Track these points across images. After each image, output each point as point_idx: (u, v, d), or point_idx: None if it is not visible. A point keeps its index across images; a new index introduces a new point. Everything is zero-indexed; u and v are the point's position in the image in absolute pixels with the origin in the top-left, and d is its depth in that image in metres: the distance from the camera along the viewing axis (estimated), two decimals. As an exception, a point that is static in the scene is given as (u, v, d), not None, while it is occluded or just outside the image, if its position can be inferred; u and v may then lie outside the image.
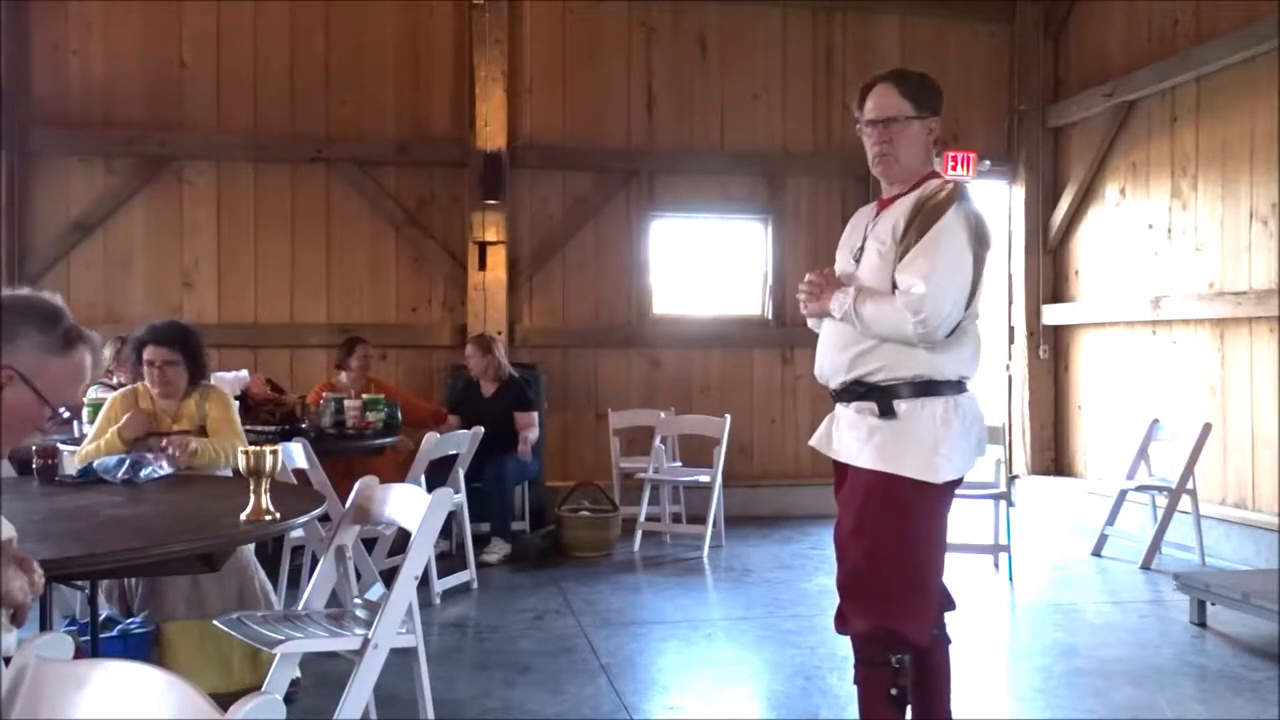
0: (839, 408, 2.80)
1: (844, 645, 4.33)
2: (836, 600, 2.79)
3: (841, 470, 2.80)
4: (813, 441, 2.91)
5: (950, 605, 2.86)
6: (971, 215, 2.66)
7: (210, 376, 4.17)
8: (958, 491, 2.76)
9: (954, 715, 2.85)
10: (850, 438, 2.73)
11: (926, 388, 2.64)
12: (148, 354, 3.89)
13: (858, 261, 2.78)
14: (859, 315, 2.65)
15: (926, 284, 2.56)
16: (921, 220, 2.65)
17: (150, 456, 3.47)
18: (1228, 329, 6.37)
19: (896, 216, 2.71)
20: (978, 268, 2.65)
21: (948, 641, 2.85)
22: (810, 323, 2.94)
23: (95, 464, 3.34)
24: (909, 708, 2.70)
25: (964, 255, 2.62)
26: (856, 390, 2.71)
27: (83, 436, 4.28)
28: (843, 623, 2.76)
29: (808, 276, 2.84)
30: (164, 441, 3.67)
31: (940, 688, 2.81)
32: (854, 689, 2.76)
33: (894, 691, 2.63)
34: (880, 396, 2.66)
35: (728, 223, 7.94)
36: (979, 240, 2.66)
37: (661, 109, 7.65)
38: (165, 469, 3.40)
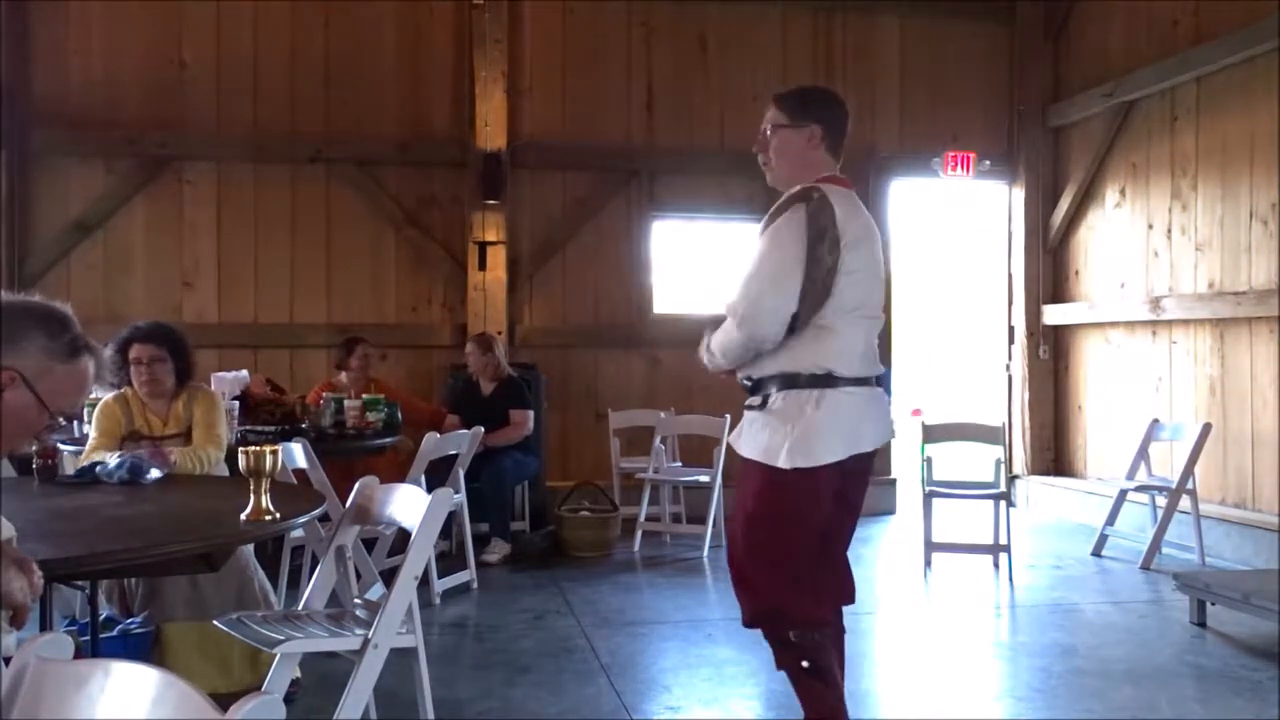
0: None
1: (844, 644, 4.34)
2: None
3: None
4: (730, 439, 3.13)
5: (848, 599, 3.04)
6: (811, 215, 2.74)
7: (210, 379, 4.14)
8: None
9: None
10: (743, 430, 2.96)
11: (791, 381, 2.81)
12: (134, 352, 3.84)
13: None
14: (712, 353, 2.93)
15: (740, 288, 2.77)
16: (766, 223, 2.84)
17: (152, 455, 3.46)
18: (1228, 329, 6.37)
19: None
20: (817, 265, 2.73)
21: (842, 631, 3.03)
22: None
23: (96, 469, 3.33)
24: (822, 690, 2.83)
25: (790, 252, 2.73)
26: (746, 385, 2.94)
27: (83, 437, 4.27)
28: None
29: None
30: (155, 448, 3.64)
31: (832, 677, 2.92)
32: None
33: (806, 664, 2.80)
34: (759, 389, 2.89)
35: (727, 224, 7.93)
36: (819, 237, 2.72)
37: (661, 109, 7.66)
38: (160, 471, 3.39)
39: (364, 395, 5.60)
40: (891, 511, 7.77)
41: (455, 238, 7.35)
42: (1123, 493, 6.30)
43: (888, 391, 2.98)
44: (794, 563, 2.82)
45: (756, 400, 2.89)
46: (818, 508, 2.83)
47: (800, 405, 2.79)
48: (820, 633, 2.82)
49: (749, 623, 2.90)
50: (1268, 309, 5.97)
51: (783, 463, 2.77)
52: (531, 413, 6.38)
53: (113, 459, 3.37)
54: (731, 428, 6.39)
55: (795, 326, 2.78)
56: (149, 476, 3.24)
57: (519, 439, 6.26)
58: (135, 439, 3.78)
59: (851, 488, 2.93)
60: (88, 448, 3.80)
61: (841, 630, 3.04)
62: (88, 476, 3.30)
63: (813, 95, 3.04)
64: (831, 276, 2.74)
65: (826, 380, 2.79)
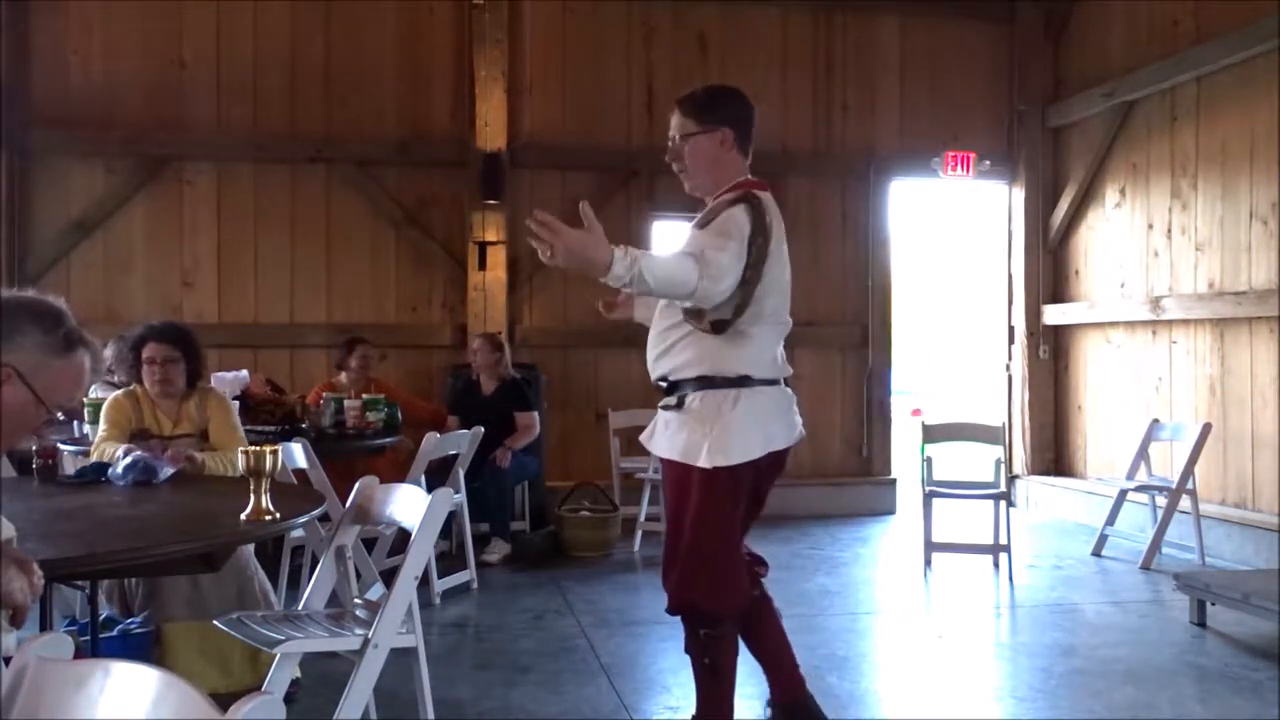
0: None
1: (844, 645, 4.36)
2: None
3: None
4: (641, 438, 3.15)
5: (764, 571, 3.20)
6: (755, 214, 2.82)
7: (210, 379, 4.14)
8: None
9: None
10: (658, 430, 3.02)
11: (708, 382, 2.89)
12: (148, 351, 3.86)
13: None
14: (646, 271, 2.68)
15: (720, 251, 2.72)
16: (709, 215, 2.90)
17: (165, 456, 3.45)
18: (1228, 329, 6.37)
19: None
20: (749, 264, 2.78)
21: (768, 599, 3.19)
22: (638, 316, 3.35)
23: (108, 473, 3.30)
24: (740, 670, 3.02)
25: (743, 240, 2.78)
26: (661, 386, 3.01)
27: (83, 437, 4.27)
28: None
29: (537, 214, 2.66)
30: (168, 451, 3.62)
31: (775, 640, 3.15)
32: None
33: (706, 661, 2.97)
34: (676, 391, 2.95)
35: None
36: (759, 236, 2.81)
37: (661, 109, 7.63)
38: (171, 469, 3.39)
39: (364, 395, 5.59)
40: (891, 511, 7.77)
41: (455, 238, 7.35)
42: (1123, 493, 6.30)
43: (796, 393, 3.08)
44: (710, 559, 2.90)
45: (673, 401, 2.96)
46: (735, 504, 2.91)
47: (718, 405, 2.86)
48: (728, 628, 2.96)
49: (669, 612, 3.01)
50: (1268, 309, 5.97)
51: (703, 462, 2.83)
52: (536, 414, 6.39)
53: (120, 451, 3.36)
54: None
55: (720, 329, 2.84)
56: (161, 476, 3.23)
57: (530, 441, 6.29)
58: (143, 437, 3.78)
59: (764, 484, 3.03)
60: (97, 439, 3.80)
61: (768, 598, 3.18)
62: (89, 476, 3.29)
63: (718, 97, 3.05)
64: (752, 286, 2.81)
65: (742, 382, 2.88)
